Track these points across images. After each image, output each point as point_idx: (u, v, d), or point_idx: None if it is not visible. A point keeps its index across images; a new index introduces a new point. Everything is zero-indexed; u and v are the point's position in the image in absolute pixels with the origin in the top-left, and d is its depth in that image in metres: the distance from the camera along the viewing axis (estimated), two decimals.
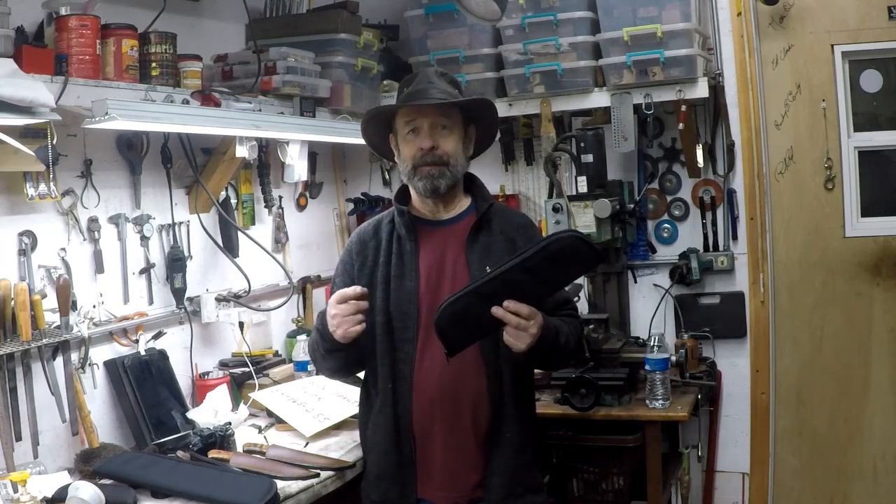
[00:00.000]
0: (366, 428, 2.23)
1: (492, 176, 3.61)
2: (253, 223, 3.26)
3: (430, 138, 2.12)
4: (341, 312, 2.01)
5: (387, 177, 3.89)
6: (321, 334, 2.11)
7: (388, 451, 2.14)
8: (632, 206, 3.27)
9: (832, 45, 3.30)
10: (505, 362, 2.13)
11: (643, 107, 3.15)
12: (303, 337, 3.06)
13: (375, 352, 2.14)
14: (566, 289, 2.40)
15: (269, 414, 2.77)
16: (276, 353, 3.24)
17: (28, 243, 2.34)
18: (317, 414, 2.67)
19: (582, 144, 3.16)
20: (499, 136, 3.50)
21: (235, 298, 3.01)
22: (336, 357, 2.14)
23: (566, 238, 1.96)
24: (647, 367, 2.85)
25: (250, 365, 2.99)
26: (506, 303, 1.94)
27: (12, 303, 2.19)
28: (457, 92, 2.20)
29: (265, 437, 2.61)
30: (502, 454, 2.13)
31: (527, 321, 1.95)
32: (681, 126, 3.17)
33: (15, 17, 2.21)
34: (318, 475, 2.27)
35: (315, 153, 3.57)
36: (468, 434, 2.13)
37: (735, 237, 3.41)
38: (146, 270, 2.76)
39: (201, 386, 2.83)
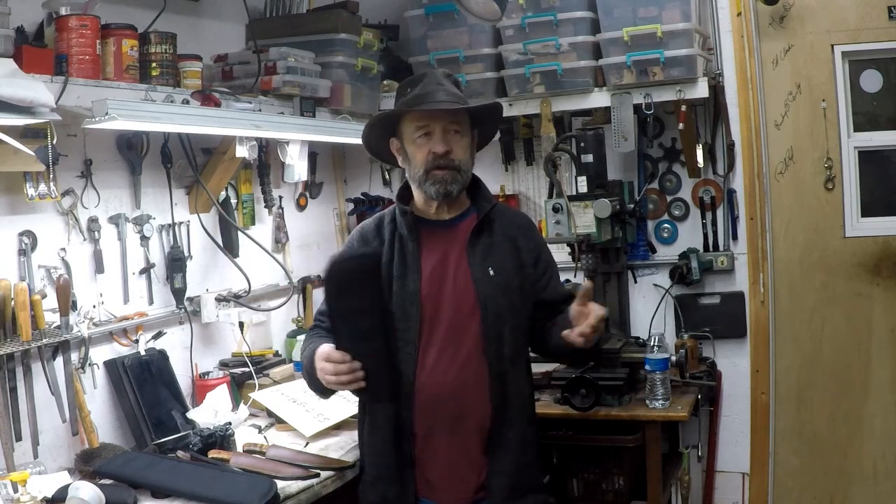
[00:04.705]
0: (363, 429, 2.22)
1: (492, 176, 3.61)
2: (253, 223, 3.26)
3: (444, 143, 2.10)
4: (332, 371, 1.99)
5: (387, 177, 3.88)
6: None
7: (388, 452, 2.13)
8: (632, 206, 3.27)
9: (832, 45, 3.29)
10: (507, 363, 2.13)
11: (643, 107, 3.15)
12: (303, 337, 3.05)
13: None
14: (564, 286, 2.40)
15: (269, 414, 2.77)
16: (276, 353, 3.24)
17: (28, 243, 2.34)
18: (317, 414, 2.67)
19: (582, 144, 3.16)
20: (499, 135, 3.52)
21: (235, 298, 3.01)
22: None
23: (327, 275, 2.00)
24: (647, 367, 2.85)
25: (250, 365, 2.99)
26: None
27: (12, 303, 2.19)
28: (462, 94, 2.19)
29: (265, 437, 2.61)
30: (504, 455, 2.13)
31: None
32: (681, 126, 3.16)
33: (15, 17, 2.21)
34: (318, 475, 2.27)
35: (315, 153, 3.57)
36: (470, 435, 2.12)
37: (735, 237, 3.41)
38: (146, 270, 2.76)
39: (201, 386, 2.83)
